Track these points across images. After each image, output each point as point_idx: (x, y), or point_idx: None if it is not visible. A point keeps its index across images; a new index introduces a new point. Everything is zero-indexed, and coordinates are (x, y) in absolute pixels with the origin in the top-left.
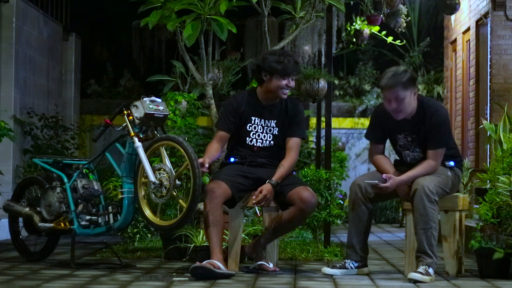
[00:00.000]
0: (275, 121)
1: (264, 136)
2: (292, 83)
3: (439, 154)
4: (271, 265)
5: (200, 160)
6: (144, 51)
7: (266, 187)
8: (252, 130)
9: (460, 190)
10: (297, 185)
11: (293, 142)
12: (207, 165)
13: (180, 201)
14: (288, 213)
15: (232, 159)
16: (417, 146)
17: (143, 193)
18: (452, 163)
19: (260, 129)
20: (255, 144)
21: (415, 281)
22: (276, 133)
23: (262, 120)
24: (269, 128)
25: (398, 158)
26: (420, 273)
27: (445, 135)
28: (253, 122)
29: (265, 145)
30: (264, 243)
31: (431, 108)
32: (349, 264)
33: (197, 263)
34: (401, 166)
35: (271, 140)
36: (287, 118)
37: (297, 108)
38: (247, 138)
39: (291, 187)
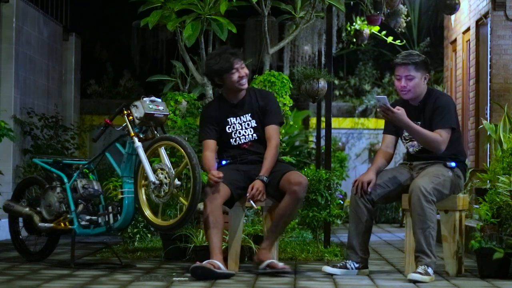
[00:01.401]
0: (249, 114)
1: (246, 132)
2: (243, 72)
3: (445, 134)
4: (280, 264)
5: (214, 172)
6: (144, 51)
7: (257, 182)
8: (232, 131)
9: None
10: (283, 171)
11: (271, 130)
12: (221, 174)
13: (181, 198)
14: (283, 201)
15: (224, 162)
16: None
17: (143, 193)
18: (453, 164)
19: (239, 127)
20: (240, 142)
21: (415, 282)
22: (255, 125)
23: (238, 117)
24: (246, 122)
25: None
26: (420, 273)
27: (450, 117)
28: (230, 123)
29: (249, 139)
30: (269, 243)
31: (437, 93)
32: (350, 265)
33: (197, 263)
34: (407, 162)
35: (253, 133)
36: (259, 109)
37: (266, 97)
38: (231, 140)
39: (279, 176)
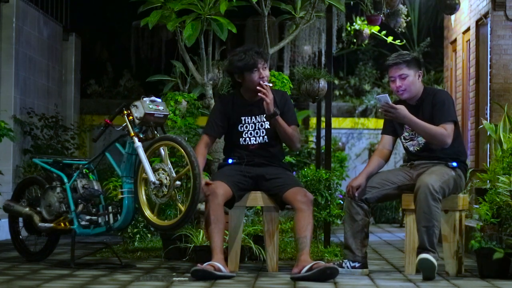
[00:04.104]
0: (264, 115)
1: (257, 133)
2: (264, 73)
3: (449, 128)
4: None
5: (206, 182)
6: (144, 51)
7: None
8: (243, 130)
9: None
10: (292, 186)
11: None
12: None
13: (179, 204)
14: (295, 219)
15: (230, 161)
16: None
17: (143, 193)
18: (455, 164)
19: (252, 127)
20: (249, 143)
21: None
22: (268, 127)
23: (252, 117)
24: (260, 123)
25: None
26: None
27: (450, 111)
28: (243, 122)
29: (259, 141)
30: (305, 252)
31: (433, 89)
32: (345, 264)
33: (198, 266)
34: (406, 163)
35: (264, 135)
36: (277, 109)
37: (284, 97)
38: (240, 139)
39: (286, 188)
